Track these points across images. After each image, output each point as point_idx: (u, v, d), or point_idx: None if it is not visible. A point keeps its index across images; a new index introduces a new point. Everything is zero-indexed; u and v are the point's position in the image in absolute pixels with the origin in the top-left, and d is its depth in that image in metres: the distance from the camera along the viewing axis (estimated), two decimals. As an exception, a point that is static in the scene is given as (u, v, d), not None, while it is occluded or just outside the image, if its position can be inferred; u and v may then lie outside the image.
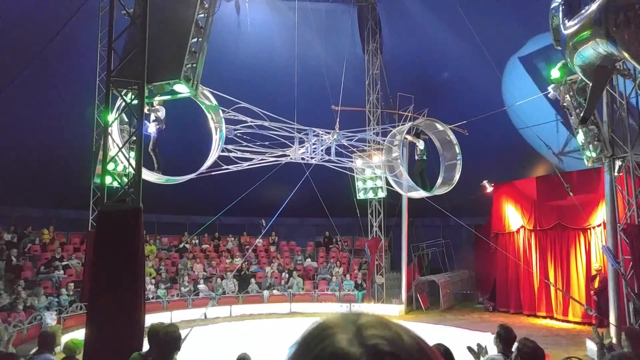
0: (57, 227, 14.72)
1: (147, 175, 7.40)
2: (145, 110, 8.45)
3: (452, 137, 10.91)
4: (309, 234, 18.42)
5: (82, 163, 11.65)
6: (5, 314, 10.03)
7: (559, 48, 6.15)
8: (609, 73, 5.81)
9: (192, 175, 8.52)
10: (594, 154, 8.57)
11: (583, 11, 5.08)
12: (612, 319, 8.46)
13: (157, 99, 7.48)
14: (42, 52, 9.65)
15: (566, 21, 5.43)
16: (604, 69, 5.40)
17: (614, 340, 7.03)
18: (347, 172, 12.73)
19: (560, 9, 5.61)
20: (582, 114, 7.24)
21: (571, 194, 9.87)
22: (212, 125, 8.75)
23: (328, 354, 0.52)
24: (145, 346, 4.57)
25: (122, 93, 5.99)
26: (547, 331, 11.18)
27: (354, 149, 11.89)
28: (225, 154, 8.93)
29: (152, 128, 8.48)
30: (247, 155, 9.52)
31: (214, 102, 8.50)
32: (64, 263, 13.13)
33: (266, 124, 9.61)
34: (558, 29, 5.86)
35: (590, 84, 5.98)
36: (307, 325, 0.59)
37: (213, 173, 8.88)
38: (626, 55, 4.71)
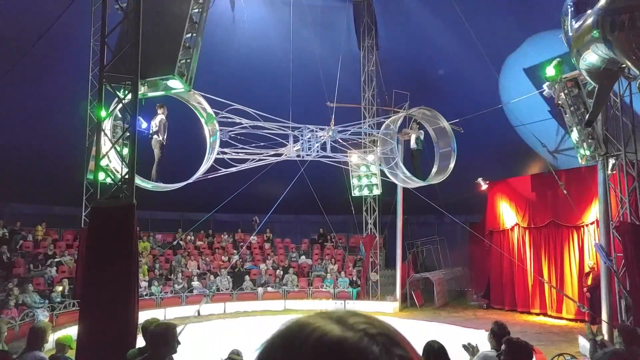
0: (49, 223, 14.58)
1: (142, 183, 7.37)
2: (162, 118, 8.45)
3: (446, 125, 10.92)
4: (303, 231, 18.42)
5: (74, 159, 11.54)
6: (-4, 310, 9.94)
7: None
8: (615, 76, 5.84)
9: (186, 183, 8.48)
10: (587, 152, 8.62)
11: (588, 12, 5.10)
12: (604, 316, 8.54)
13: (151, 94, 7.41)
14: (33, 47, 9.52)
15: (573, 22, 5.45)
16: (610, 72, 5.43)
17: (606, 337, 7.10)
18: (343, 166, 12.72)
19: (569, 10, 5.62)
20: (587, 117, 7.27)
21: (565, 191, 9.93)
22: (206, 131, 8.71)
23: (327, 342, 0.51)
24: (139, 343, 4.54)
25: (115, 89, 5.92)
26: (541, 328, 11.28)
27: (349, 146, 11.88)
28: (220, 156, 8.88)
29: (156, 137, 8.45)
30: (243, 156, 9.48)
31: (209, 110, 8.46)
32: (56, 260, 13.01)
33: (261, 123, 9.57)
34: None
35: (597, 87, 6.00)
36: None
37: (209, 177, 8.84)
38: (622, 58, 4.74)
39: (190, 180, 8.52)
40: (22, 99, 12.52)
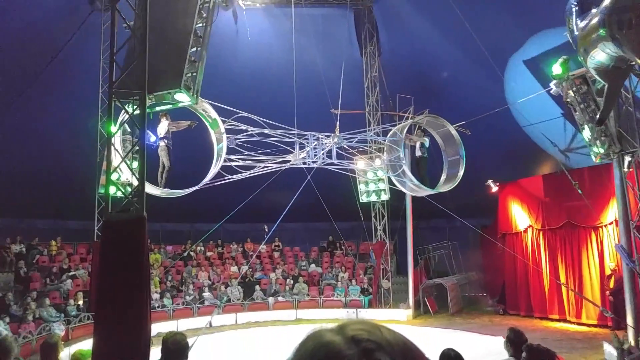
0: (63, 238, 14.80)
1: (151, 189, 7.45)
2: (166, 125, 8.60)
3: (454, 132, 10.83)
4: (312, 238, 18.33)
5: (86, 174, 11.74)
6: (15, 325, 10.07)
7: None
8: (625, 73, 5.79)
9: (195, 188, 8.56)
10: (601, 150, 8.43)
11: (593, 11, 5.09)
12: (629, 320, 8.25)
13: (159, 108, 7.51)
14: (47, 67, 9.78)
15: (578, 21, 5.44)
16: (619, 70, 5.38)
17: (632, 342, 6.86)
18: (350, 174, 12.67)
19: (574, 10, 5.61)
20: (598, 116, 7.17)
21: (580, 191, 9.67)
22: (213, 138, 8.81)
23: (313, 346, 0.61)
24: (154, 355, 4.54)
25: (124, 104, 6.01)
26: (562, 334, 10.88)
27: (355, 152, 11.85)
28: (227, 163, 8.96)
29: (162, 144, 8.59)
30: (249, 163, 9.55)
31: (214, 115, 8.58)
32: (71, 273, 13.17)
33: (267, 131, 9.65)
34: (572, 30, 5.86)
35: (607, 85, 5.94)
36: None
37: (216, 183, 8.91)
38: (632, 55, 4.71)
39: (198, 186, 8.58)
40: (34, 117, 12.82)
